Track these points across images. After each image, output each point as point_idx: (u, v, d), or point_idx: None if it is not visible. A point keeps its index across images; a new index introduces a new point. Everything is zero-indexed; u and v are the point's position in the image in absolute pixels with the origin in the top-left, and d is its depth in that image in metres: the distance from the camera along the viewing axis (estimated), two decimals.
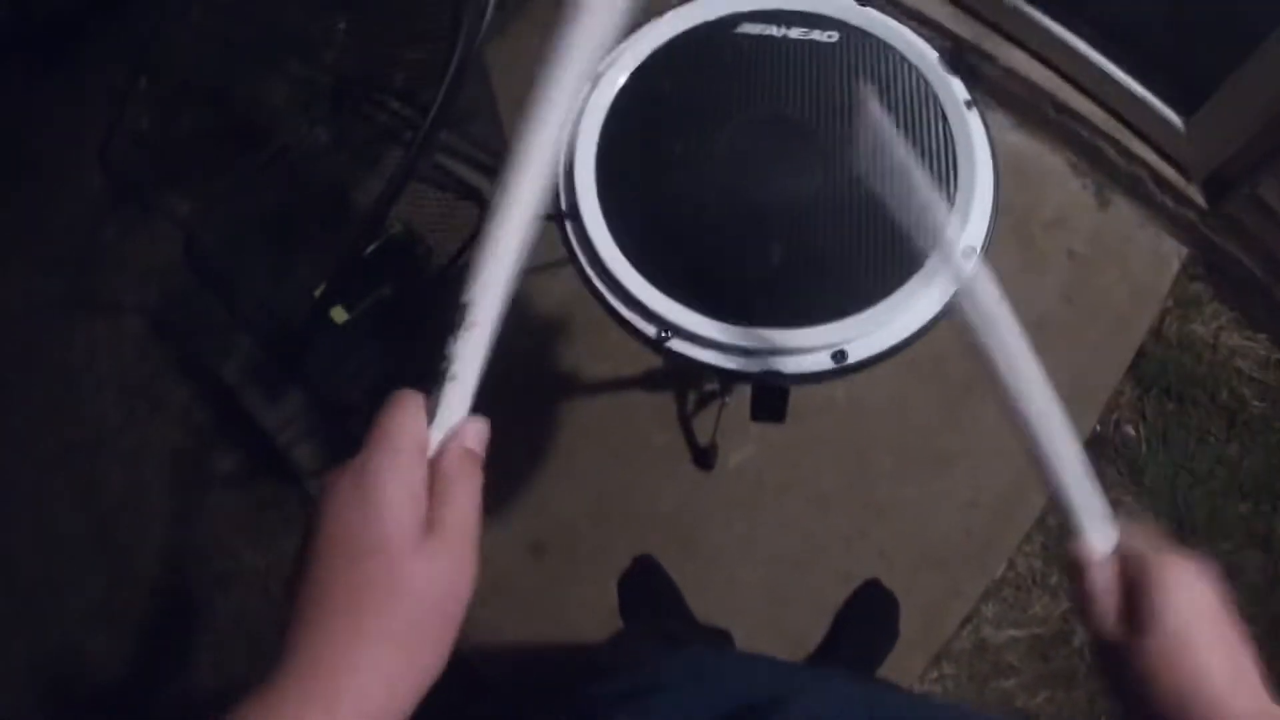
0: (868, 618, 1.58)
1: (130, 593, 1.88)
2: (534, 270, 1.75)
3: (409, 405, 0.44)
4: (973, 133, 0.95)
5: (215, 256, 1.52)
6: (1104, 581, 0.52)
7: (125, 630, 1.86)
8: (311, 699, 0.37)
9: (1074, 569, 0.53)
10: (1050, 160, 1.85)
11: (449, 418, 0.45)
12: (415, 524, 0.41)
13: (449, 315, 0.46)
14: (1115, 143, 1.75)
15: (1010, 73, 1.79)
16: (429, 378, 0.45)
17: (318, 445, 1.77)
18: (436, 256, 1.51)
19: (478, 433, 0.45)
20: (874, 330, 0.86)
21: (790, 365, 0.86)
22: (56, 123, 2.26)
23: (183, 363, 1.98)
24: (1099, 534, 0.53)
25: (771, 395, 0.86)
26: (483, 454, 0.45)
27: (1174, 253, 1.77)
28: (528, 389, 1.74)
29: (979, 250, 0.89)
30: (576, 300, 1.72)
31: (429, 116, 1.10)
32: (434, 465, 0.43)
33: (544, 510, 1.68)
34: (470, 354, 0.46)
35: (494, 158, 1.35)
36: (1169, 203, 1.74)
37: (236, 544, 1.84)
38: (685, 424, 1.71)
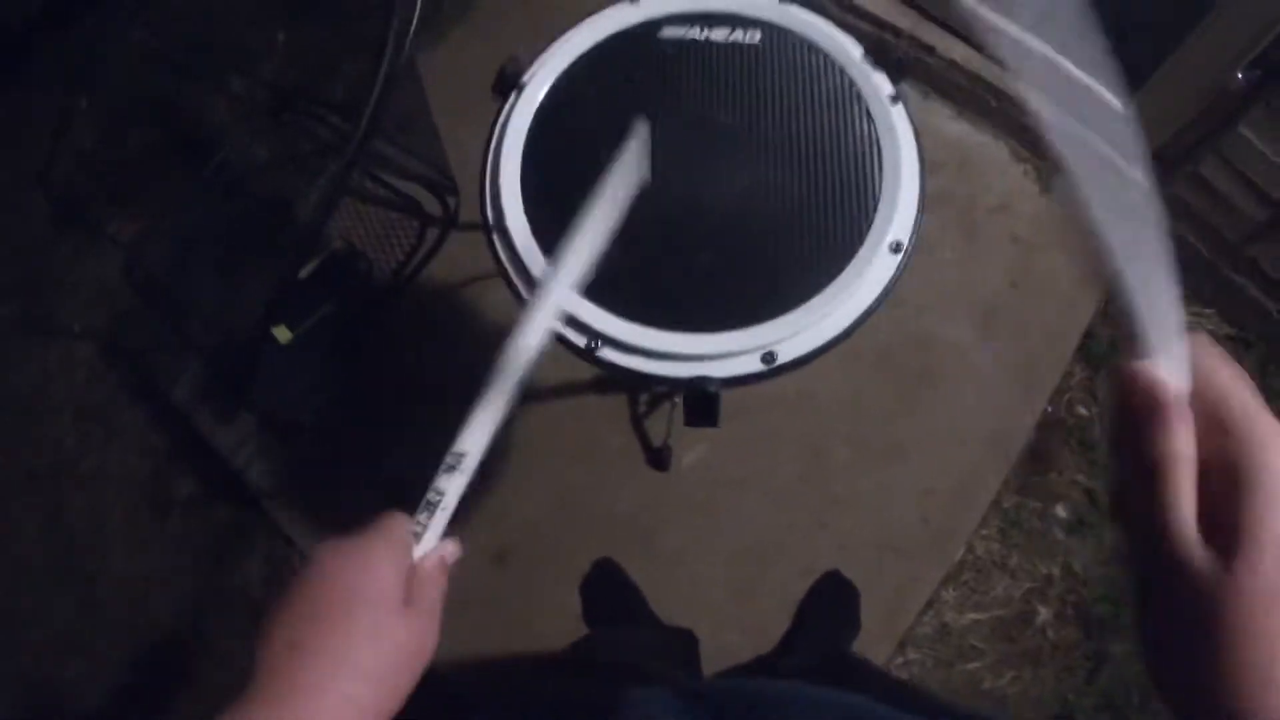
0: (829, 609, 1.59)
1: (97, 620, 1.86)
2: (480, 279, 1.76)
3: (398, 519, 0.54)
4: (897, 127, 0.96)
5: (159, 276, 1.50)
6: (1185, 439, 0.35)
7: (94, 658, 1.84)
8: (289, 714, 0.44)
9: (1126, 398, 0.36)
10: (992, 148, 1.86)
11: (433, 534, 0.56)
12: (399, 594, 0.50)
13: (441, 456, 0.57)
14: None
15: (950, 63, 1.80)
16: (419, 502, 0.56)
17: (273, 465, 1.75)
18: (379, 271, 1.50)
19: (453, 551, 0.57)
20: (802, 330, 0.86)
21: (720, 369, 0.86)
22: (2, 144, 2.23)
23: (136, 386, 1.95)
24: (1170, 361, 0.36)
25: (703, 400, 0.86)
26: (450, 566, 0.56)
27: None
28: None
29: (907, 243, 0.90)
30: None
31: (359, 127, 1.09)
32: (417, 566, 0.53)
33: (504, 518, 1.68)
34: (455, 491, 0.57)
35: (431, 169, 1.34)
36: None
37: (199, 567, 1.83)
38: (638, 426, 1.71)
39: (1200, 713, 0.33)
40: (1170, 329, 0.37)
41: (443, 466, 0.57)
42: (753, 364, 0.86)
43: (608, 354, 0.87)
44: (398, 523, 0.53)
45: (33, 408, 2.01)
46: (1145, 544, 0.35)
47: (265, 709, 0.44)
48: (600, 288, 0.88)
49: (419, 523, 0.55)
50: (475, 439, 0.59)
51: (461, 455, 0.58)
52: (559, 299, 0.66)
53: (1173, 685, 0.35)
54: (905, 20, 1.81)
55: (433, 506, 0.56)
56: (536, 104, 0.98)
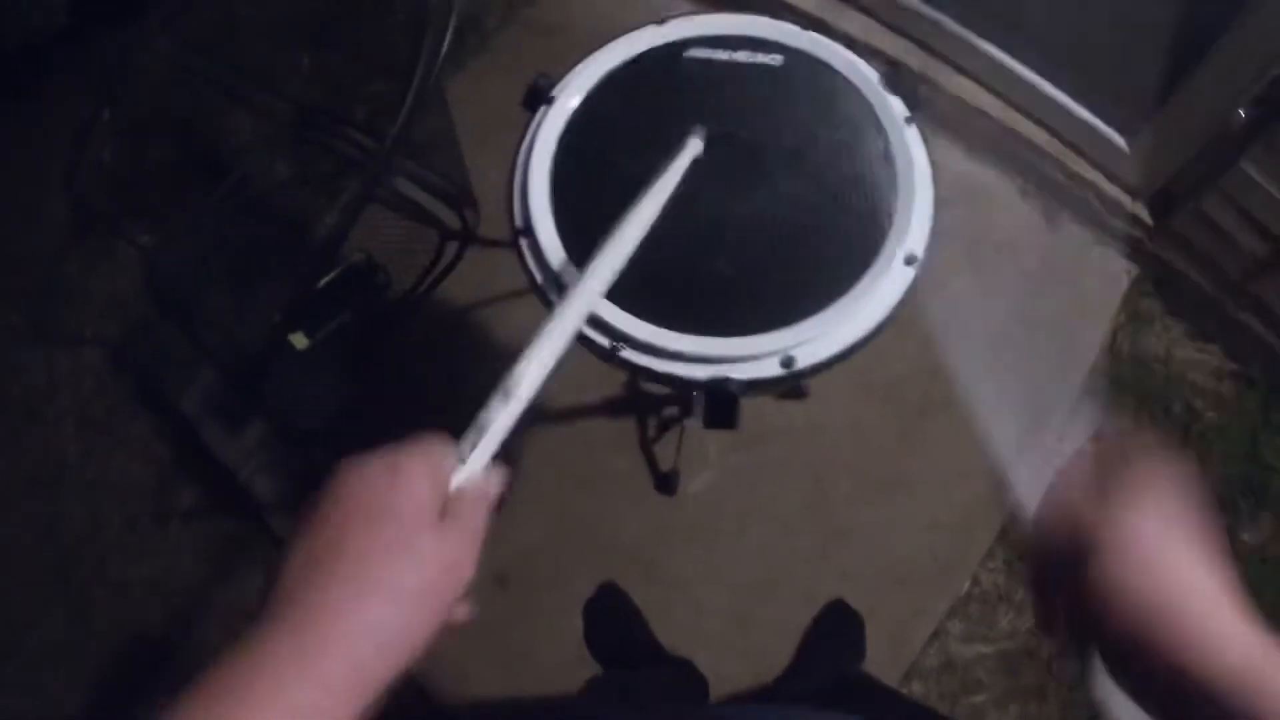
0: (833, 638, 1.58)
1: (90, 629, 1.84)
2: (493, 300, 1.78)
3: (439, 438, 0.48)
4: (912, 147, 0.99)
5: (177, 286, 1.52)
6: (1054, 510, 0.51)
7: (85, 668, 1.82)
8: (300, 643, 0.39)
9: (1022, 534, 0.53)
10: (999, 185, 1.89)
11: (478, 460, 0.50)
12: (434, 507, 0.44)
13: (496, 376, 0.53)
14: (1062, 165, 1.80)
15: (958, 101, 1.84)
16: (465, 424, 0.51)
17: (278, 479, 1.75)
18: (397, 284, 1.52)
19: (500, 479, 0.50)
20: (821, 336, 0.88)
21: (740, 372, 0.87)
22: (17, 155, 2.25)
23: (143, 395, 1.96)
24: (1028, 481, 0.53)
25: (723, 402, 0.87)
26: (496, 497, 0.50)
27: (1123, 270, 1.82)
28: None
29: (920, 256, 0.92)
30: (535, 328, 1.73)
31: (389, 137, 1.12)
32: (456, 493, 0.47)
33: (507, 540, 1.67)
34: (505, 419, 0.51)
35: (454, 187, 1.36)
36: (1116, 222, 1.79)
37: (198, 579, 1.82)
38: (646, 450, 1.71)
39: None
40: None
41: (495, 394, 0.52)
42: (772, 368, 0.87)
43: (629, 355, 0.88)
44: (437, 442, 0.48)
45: (37, 414, 2.01)
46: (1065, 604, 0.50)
47: (272, 634, 0.39)
48: (625, 292, 0.90)
49: (463, 449, 0.50)
50: (532, 369, 0.54)
51: (517, 383, 0.53)
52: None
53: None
54: (914, 58, 1.86)
55: (480, 431, 0.50)
56: (566, 118, 1.01)
